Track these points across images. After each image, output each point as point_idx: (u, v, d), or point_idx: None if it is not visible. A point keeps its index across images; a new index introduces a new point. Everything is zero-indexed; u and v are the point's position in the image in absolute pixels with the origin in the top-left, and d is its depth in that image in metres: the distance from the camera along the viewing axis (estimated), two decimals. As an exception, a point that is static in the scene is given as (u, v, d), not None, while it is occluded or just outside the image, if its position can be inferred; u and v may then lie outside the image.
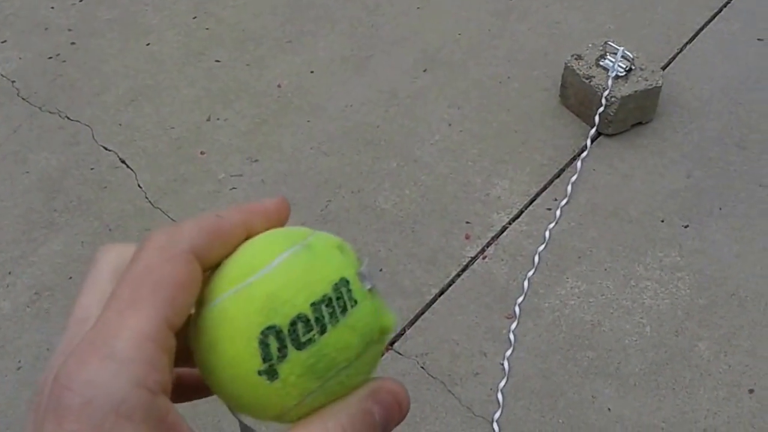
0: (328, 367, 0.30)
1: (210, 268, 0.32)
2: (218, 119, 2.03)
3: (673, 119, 1.90)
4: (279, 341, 0.29)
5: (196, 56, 2.20)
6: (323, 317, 0.30)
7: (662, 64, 2.01)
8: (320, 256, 0.31)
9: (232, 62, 2.17)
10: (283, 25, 2.26)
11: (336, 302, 0.30)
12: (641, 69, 1.82)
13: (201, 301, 0.31)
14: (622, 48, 1.81)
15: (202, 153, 1.96)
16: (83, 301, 0.31)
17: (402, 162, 1.89)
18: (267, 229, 0.33)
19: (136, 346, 0.27)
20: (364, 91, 2.07)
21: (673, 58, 2.04)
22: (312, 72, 2.14)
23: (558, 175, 1.82)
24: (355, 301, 0.31)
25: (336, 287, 0.31)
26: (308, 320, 0.30)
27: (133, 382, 0.27)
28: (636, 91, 1.77)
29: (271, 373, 0.30)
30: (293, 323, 0.30)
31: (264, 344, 0.29)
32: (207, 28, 2.28)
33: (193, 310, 0.31)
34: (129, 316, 0.28)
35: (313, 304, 0.30)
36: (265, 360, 0.29)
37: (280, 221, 0.34)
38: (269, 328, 0.29)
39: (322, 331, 0.30)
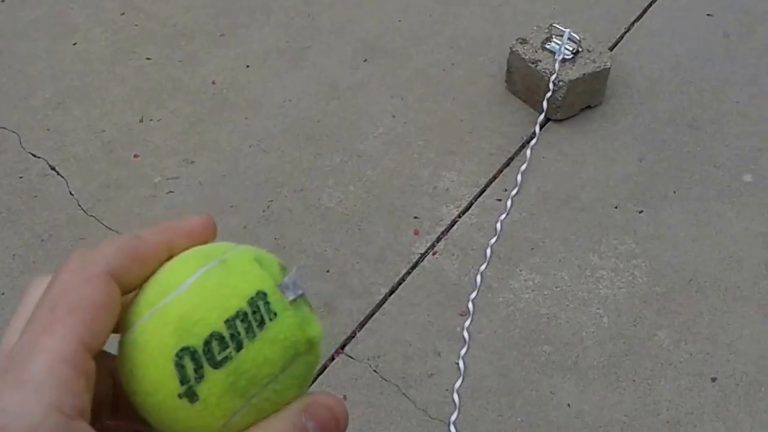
0: (251, 384, 0.30)
1: (131, 291, 0.31)
2: (151, 120, 1.91)
3: (624, 101, 1.85)
4: (194, 362, 0.29)
5: (126, 54, 2.08)
6: (239, 333, 0.30)
7: (610, 44, 1.95)
8: (235, 271, 0.31)
9: (163, 59, 2.06)
10: (216, 18, 2.15)
11: (252, 316, 0.30)
12: (588, 51, 1.76)
13: (123, 327, 0.31)
14: (568, 30, 1.75)
15: (135, 156, 1.84)
16: (10, 332, 0.30)
17: (345, 157, 1.80)
18: (190, 247, 0.33)
19: (50, 369, 0.27)
20: (302, 85, 1.97)
21: (621, 37, 1.98)
22: (248, 66, 2.03)
23: (507, 164, 1.76)
24: (275, 314, 0.30)
25: (252, 301, 0.30)
26: (223, 338, 0.29)
27: (48, 406, 0.26)
28: (584, 74, 1.71)
29: (190, 395, 0.29)
30: (207, 342, 0.29)
31: (180, 366, 0.29)
32: (136, 25, 2.16)
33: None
34: (44, 339, 0.28)
35: (227, 321, 0.29)
36: (182, 382, 0.29)
37: (205, 239, 0.34)
38: (183, 349, 0.29)
39: (239, 347, 0.29)
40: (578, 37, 1.75)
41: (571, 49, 1.74)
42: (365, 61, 2.02)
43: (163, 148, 1.85)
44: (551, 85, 1.71)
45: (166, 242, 0.32)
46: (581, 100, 1.77)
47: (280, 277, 0.31)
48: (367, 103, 1.92)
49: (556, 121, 1.80)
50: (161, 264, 0.32)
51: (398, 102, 1.91)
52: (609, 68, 1.74)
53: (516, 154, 1.77)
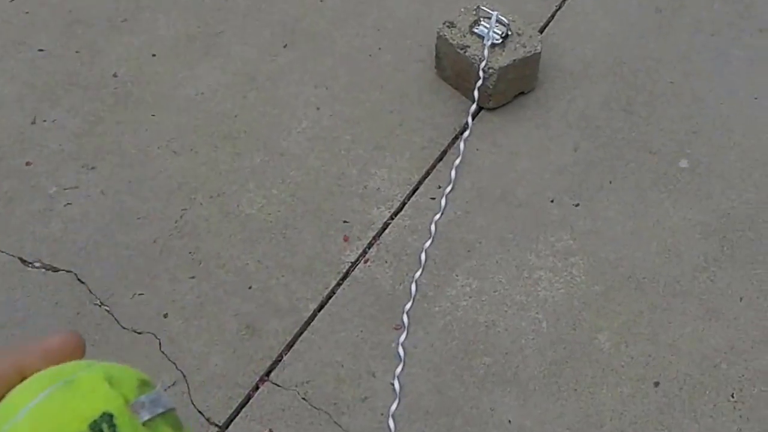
0: None
1: None
2: (45, 121, 1.72)
3: (556, 86, 1.76)
4: None
5: (15, 46, 1.87)
6: None
7: (540, 25, 1.85)
8: (80, 392, 0.29)
9: (58, 50, 1.85)
10: (117, 1, 1.95)
11: None
12: (518, 34, 1.65)
13: None
14: (495, 12, 1.63)
15: (27, 164, 1.66)
16: None
17: (266, 156, 1.67)
18: (47, 367, 0.31)
19: None
20: (217, 75, 1.81)
21: (552, 17, 1.88)
22: (154, 55, 1.85)
23: (440, 158, 1.65)
24: None
25: (94, 424, 0.28)
26: None
27: None
28: (514, 60, 1.61)
29: None
30: None
31: None
32: (27, 12, 1.94)
33: None
34: None
35: None
36: None
37: (65, 357, 0.32)
38: None
39: None
40: (507, 21, 1.64)
41: (500, 33, 1.63)
42: (285, 46, 1.87)
43: (59, 153, 1.67)
44: (481, 73, 1.60)
45: (17, 364, 0.31)
46: (513, 87, 1.68)
47: (135, 396, 0.30)
48: (289, 95, 1.77)
49: (489, 109, 1.70)
50: (11, 388, 0.30)
51: (323, 92, 1.78)
52: (540, 52, 1.64)
53: (449, 147, 1.67)
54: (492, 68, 1.60)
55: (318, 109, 1.75)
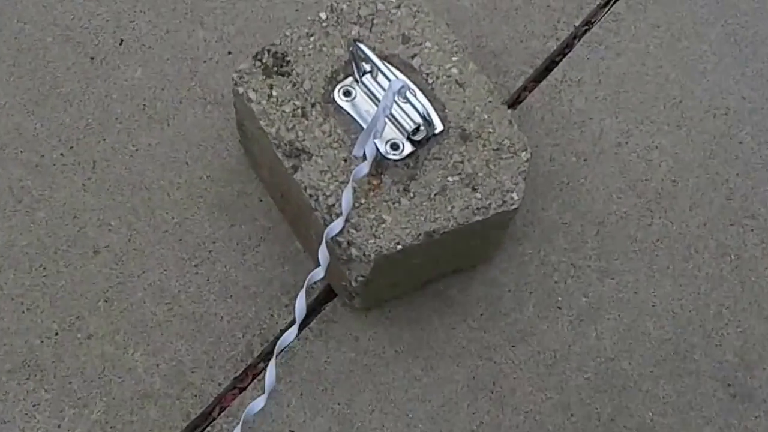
0: None
1: None
2: None
3: (535, 259, 0.68)
4: None
5: None
6: None
7: (512, 93, 0.70)
8: None
9: None
10: None
11: None
12: (464, 133, 0.55)
13: None
14: (402, 80, 0.52)
15: None
16: None
17: None
18: None
19: None
20: None
21: (568, 47, 0.74)
22: None
23: (206, 416, 0.62)
24: None
25: None
26: None
27: None
28: (433, 231, 0.53)
29: None
30: None
31: None
32: None
33: None
34: None
35: None
36: None
37: None
38: None
39: None
40: (424, 106, 0.54)
41: (408, 127, 0.54)
42: None
43: None
44: (322, 258, 0.53)
45: None
46: (424, 272, 0.61)
47: None
48: None
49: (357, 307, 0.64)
50: None
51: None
52: (516, 209, 0.55)
53: (220, 400, 0.63)
54: (361, 253, 0.52)
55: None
